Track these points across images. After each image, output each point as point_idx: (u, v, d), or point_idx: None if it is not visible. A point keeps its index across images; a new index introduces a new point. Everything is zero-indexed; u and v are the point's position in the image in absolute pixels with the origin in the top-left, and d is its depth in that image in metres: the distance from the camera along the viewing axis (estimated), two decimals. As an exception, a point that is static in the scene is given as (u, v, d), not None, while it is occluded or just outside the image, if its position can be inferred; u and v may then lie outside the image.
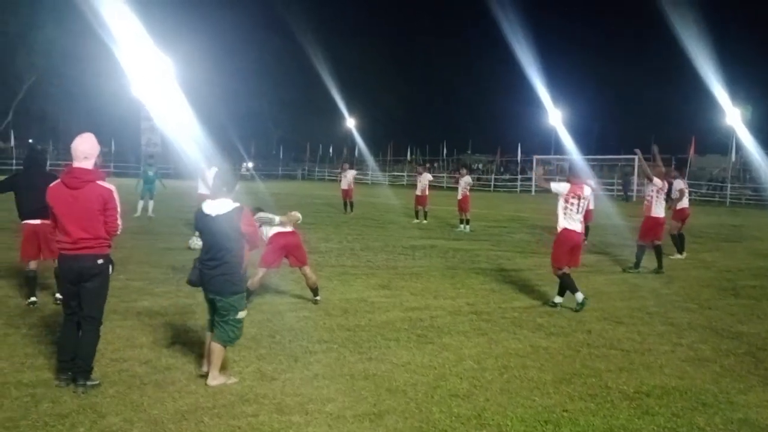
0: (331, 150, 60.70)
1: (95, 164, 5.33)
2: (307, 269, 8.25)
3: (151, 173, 19.46)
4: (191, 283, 5.46)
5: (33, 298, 7.63)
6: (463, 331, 7.20)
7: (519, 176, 48.44)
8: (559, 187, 8.67)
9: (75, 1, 40.95)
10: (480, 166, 57.02)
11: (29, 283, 7.73)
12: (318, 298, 8.29)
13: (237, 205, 5.30)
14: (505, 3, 47.78)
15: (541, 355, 6.45)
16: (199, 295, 8.37)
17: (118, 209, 5.27)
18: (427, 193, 20.10)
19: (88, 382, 5.08)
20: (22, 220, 7.66)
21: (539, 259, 12.99)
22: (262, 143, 65.00)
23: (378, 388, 5.31)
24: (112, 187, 5.26)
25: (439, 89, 65.13)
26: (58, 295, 7.59)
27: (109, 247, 5.30)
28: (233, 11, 54.04)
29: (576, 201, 8.51)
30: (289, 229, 8.11)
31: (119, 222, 5.30)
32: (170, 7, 47.89)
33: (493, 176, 49.26)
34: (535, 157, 46.60)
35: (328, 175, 55.23)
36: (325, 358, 6.06)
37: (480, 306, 8.47)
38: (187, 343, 6.33)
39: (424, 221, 19.65)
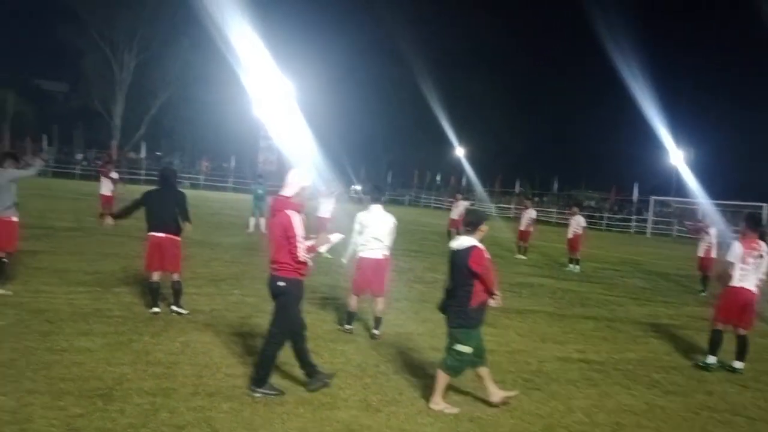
0: (438, 178, 60.79)
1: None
2: (381, 301, 8.00)
3: (260, 191, 20.21)
4: (441, 309, 5.96)
5: (156, 309, 8.06)
6: (573, 380, 6.92)
7: (634, 216, 46.33)
8: (733, 254, 7.78)
9: (208, 26, 43.77)
10: (593, 203, 55.16)
11: (152, 293, 8.19)
12: (377, 332, 7.97)
13: (472, 244, 5.66)
14: (627, 39, 46.30)
15: (658, 414, 6.07)
16: (308, 317, 8.57)
17: (298, 236, 5.50)
18: (531, 229, 19.68)
19: (259, 390, 5.45)
20: (148, 231, 8.15)
21: (655, 308, 12.34)
22: (372, 167, 66.10)
23: (484, 431, 5.18)
24: (294, 215, 5.57)
25: (553, 122, 63.80)
26: (155, 309, 7.98)
27: (296, 272, 5.60)
28: (353, 38, 55.71)
29: (753, 260, 7.70)
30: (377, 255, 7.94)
31: (299, 251, 5.51)
32: (294, 32, 50.06)
33: (606, 215, 47.49)
34: (653, 198, 44.56)
35: (434, 203, 55.29)
36: (428, 394, 5.99)
37: (590, 354, 8.11)
38: (296, 365, 6.43)
39: (524, 257, 19.22)
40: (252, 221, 19.96)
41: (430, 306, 10.15)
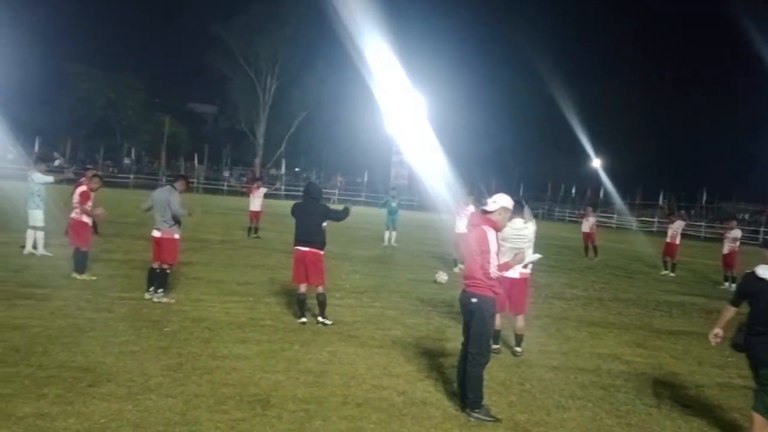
0: (573, 190, 58.81)
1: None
2: (521, 319, 7.80)
3: (394, 204, 20.49)
4: (736, 347, 5.39)
5: (303, 319, 8.41)
6: (737, 408, 6.41)
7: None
8: None
9: (343, 46, 45.39)
10: (746, 216, 50.93)
11: (299, 304, 8.55)
12: (519, 349, 7.77)
13: None
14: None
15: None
16: (448, 331, 8.63)
17: (492, 252, 5.46)
18: (677, 241, 18.49)
19: (474, 413, 5.42)
20: (294, 245, 8.52)
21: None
22: (503, 180, 65.20)
23: (641, 459, 4.92)
24: (490, 231, 5.53)
25: (698, 131, 59.77)
26: (303, 319, 8.29)
27: (489, 289, 5.53)
28: (485, 51, 55.69)
29: None
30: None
31: (491, 267, 5.45)
32: (426, 47, 50.78)
33: (762, 229, 43.67)
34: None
35: (569, 216, 53.50)
36: (578, 416, 5.79)
37: (756, 381, 7.45)
38: (440, 379, 6.48)
39: (671, 273, 18.04)
40: (386, 235, 20.32)
41: (572, 323, 9.88)
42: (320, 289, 8.42)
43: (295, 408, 5.37)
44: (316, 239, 8.38)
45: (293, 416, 5.20)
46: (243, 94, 59.96)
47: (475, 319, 5.55)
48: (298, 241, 8.44)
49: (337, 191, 54.94)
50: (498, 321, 7.85)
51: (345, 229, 26.82)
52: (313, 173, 60.58)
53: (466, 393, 5.55)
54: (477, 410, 5.45)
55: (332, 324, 8.34)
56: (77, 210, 10.57)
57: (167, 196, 8.99)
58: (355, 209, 9.97)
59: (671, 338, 9.46)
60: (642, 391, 6.69)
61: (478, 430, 5.23)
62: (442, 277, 12.95)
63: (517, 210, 8.12)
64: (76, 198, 10.67)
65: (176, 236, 9.12)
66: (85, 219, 10.54)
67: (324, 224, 8.44)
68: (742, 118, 55.30)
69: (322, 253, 8.44)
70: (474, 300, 5.54)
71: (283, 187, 50.46)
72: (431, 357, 7.29)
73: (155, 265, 9.08)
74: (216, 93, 69.09)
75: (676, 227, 18.64)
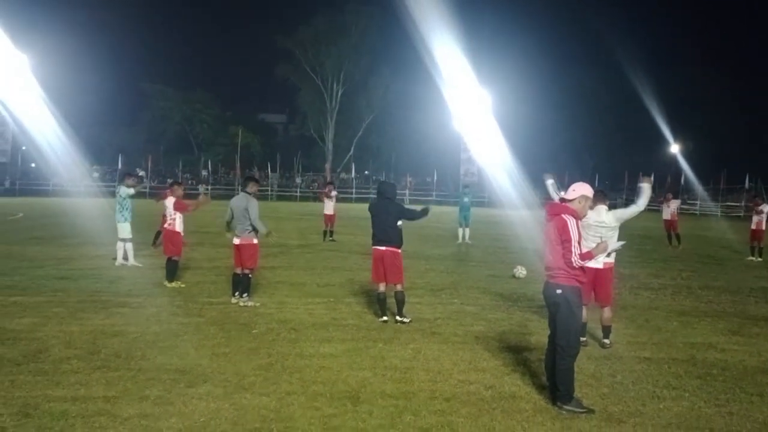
0: (652, 177, 56.78)
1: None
2: (607, 310, 7.57)
3: (466, 199, 20.40)
4: None
5: (384, 318, 8.49)
6: None
7: None
8: None
9: (408, 46, 45.50)
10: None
11: (379, 303, 8.63)
12: (607, 341, 7.52)
13: None
14: None
15: None
16: (530, 325, 8.52)
17: (573, 241, 5.34)
18: (763, 227, 17.58)
19: (565, 406, 5.33)
20: (372, 245, 8.61)
21: None
22: (577, 173, 63.65)
23: (746, 449, 4.72)
24: (570, 220, 5.42)
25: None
26: (384, 318, 8.35)
27: (573, 278, 5.44)
28: (550, 43, 54.63)
29: None
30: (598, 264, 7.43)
31: (573, 256, 5.34)
32: (492, 42, 50.31)
33: None
34: None
35: (649, 205, 51.66)
36: (675, 406, 5.59)
37: None
38: (526, 373, 6.41)
39: (759, 258, 17.15)
40: (460, 232, 20.23)
41: (662, 313, 9.56)
42: (399, 287, 8.47)
43: (384, 404, 5.43)
44: (394, 238, 8.44)
45: (384, 411, 5.26)
46: (310, 102, 61.26)
47: (561, 311, 5.44)
48: (376, 241, 8.53)
49: (407, 192, 55.07)
50: (584, 313, 7.68)
51: (418, 228, 26.84)
52: (383, 175, 60.91)
53: (556, 386, 5.46)
54: (568, 403, 5.36)
55: (410, 322, 8.37)
56: (172, 221, 10.98)
57: (245, 204, 9.26)
58: (433, 209, 10.00)
59: (769, 325, 9.01)
60: (741, 379, 6.40)
61: (571, 422, 5.14)
62: (521, 271, 12.78)
63: (599, 198, 7.93)
64: (171, 209, 11.06)
65: (255, 241, 9.37)
66: (178, 229, 10.96)
67: (399, 223, 8.49)
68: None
69: (399, 251, 8.49)
70: (559, 291, 5.43)
71: (353, 191, 51.02)
72: (516, 351, 7.21)
73: (238, 271, 9.37)
74: (285, 102, 70.88)
75: (761, 212, 17.75)
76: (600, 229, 7.40)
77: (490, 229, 24.65)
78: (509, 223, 22.77)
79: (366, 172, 67.18)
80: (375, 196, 9.20)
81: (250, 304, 9.20)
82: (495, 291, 11.20)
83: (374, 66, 58.86)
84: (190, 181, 53.40)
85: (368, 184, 59.28)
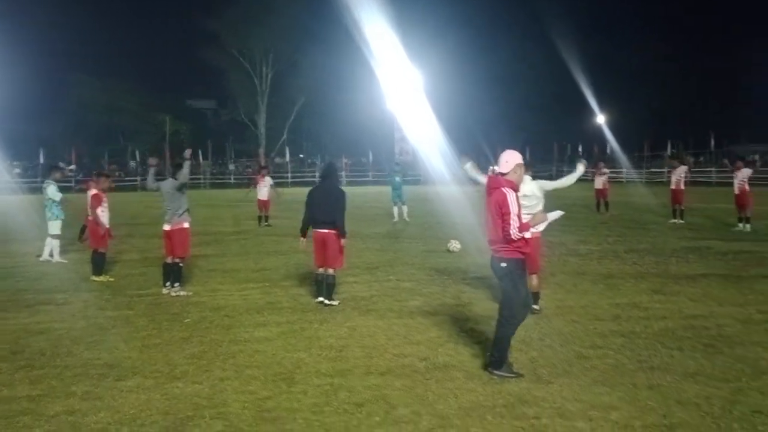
0: (580, 149, 58.42)
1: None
2: (535, 277, 7.68)
3: (398, 179, 20.54)
4: None
5: (320, 298, 8.42)
6: (759, 342, 6.41)
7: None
8: None
9: (338, 27, 45.11)
10: (756, 157, 50.41)
11: (317, 284, 8.55)
12: (536, 307, 7.59)
13: None
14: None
15: None
16: (464, 296, 8.68)
17: (513, 214, 5.39)
18: (681, 187, 18.37)
19: (496, 371, 5.47)
20: (313, 228, 8.49)
21: None
22: (508, 145, 64.71)
23: (666, 399, 4.95)
24: (509, 192, 5.46)
25: (703, 76, 59.09)
26: (321, 299, 8.33)
27: (516, 251, 5.49)
28: (477, 18, 55.16)
29: None
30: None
31: (511, 229, 5.38)
32: (422, 19, 50.38)
33: (773, 168, 43.22)
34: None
35: (578, 175, 53.24)
36: (601, 364, 5.81)
37: (777, 315, 7.45)
38: (460, 343, 6.53)
39: (680, 221, 17.92)
40: (395, 210, 20.36)
41: (589, 278, 9.90)
42: (331, 271, 8.36)
43: (319, 382, 5.43)
44: (337, 221, 8.28)
45: (318, 390, 5.26)
46: (240, 85, 59.85)
47: (506, 283, 5.56)
48: (318, 224, 8.38)
49: (344, 173, 54.90)
50: (536, 282, 7.78)
51: (354, 209, 26.79)
52: (318, 158, 60.50)
53: (492, 352, 5.60)
54: (500, 368, 5.50)
55: (339, 304, 8.25)
56: (95, 213, 10.60)
57: (172, 184, 9.03)
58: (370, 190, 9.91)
59: (689, 282, 9.46)
60: (663, 335, 6.70)
61: (501, 386, 5.27)
62: (455, 245, 12.96)
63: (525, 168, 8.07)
64: (89, 202, 10.72)
65: (186, 225, 9.12)
66: (103, 220, 10.59)
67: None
68: (750, 58, 54.41)
69: (337, 234, 8.40)
70: (503, 265, 5.52)
71: (289, 175, 50.52)
72: (451, 323, 7.33)
73: (169, 260, 9.14)
74: (215, 88, 68.92)
75: (679, 174, 18.47)
76: (523, 199, 7.55)
77: (426, 206, 24.89)
78: (443, 200, 23.05)
79: (301, 156, 66.66)
80: (318, 179, 8.99)
81: (182, 293, 9.00)
82: (430, 266, 11.33)
83: (304, 46, 57.76)
84: (117, 173, 51.63)
85: (303, 168, 58.84)
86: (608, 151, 52.65)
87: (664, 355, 6.07)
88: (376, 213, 23.09)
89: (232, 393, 5.24)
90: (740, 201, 16.36)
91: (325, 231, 8.27)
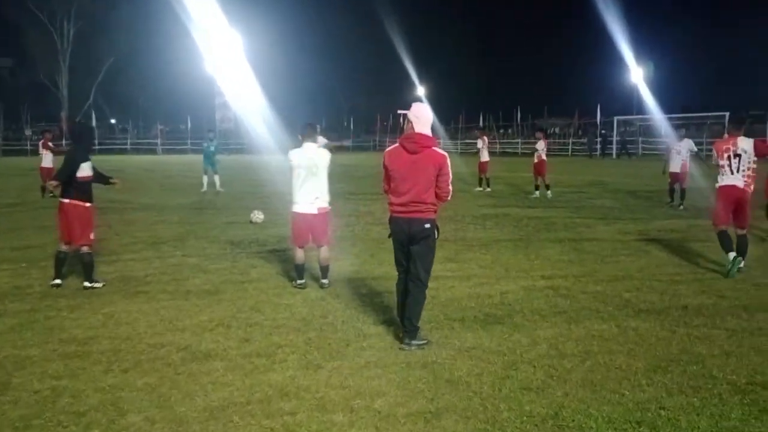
0: (401, 120, 59.88)
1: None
2: (325, 249, 7.29)
3: (212, 148, 19.41)
4: None
5: (58, 281, 7.26)
6: (538, 309, 6.38)
7: (598, 139, 45.87)
8: (713, 156, 8.35)
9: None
10: (557, 130, 54.71)
11: (57, 264, 7.35)
12: (325, 281, 7.27)
13: None
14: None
15: (630, 337, 5.56)
16: (253, 271, 7.97)
17: (450, 176, 5.34)
18: (487, 158, 19.20)
19: (414, 341, 5.24)
20: (60, 197, 7.30)
21: (624, 225, 11.93)
22: (333, 116, 64.94)
23: (437, 379, 4.61)
24: (446, 154, 5.34)
25: (512, 52, 62.87)
26: (57, 281, 7.23)
27: (435, 212, 5.37)
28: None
29: (727, 158, 7.88)
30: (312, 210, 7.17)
31: (450, 188, 5.37)
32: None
33: (570, 140, 47.14)
34: (616, 118, 44.19)
35: (400, 146, 54.48)
36: (379, 342, 5.41)
37: (557, 280, 7.57)
38: (232, 326, 5.82)
39: (488, 189, 18.72)
40: (205, 179, 19.18)
41: (387, 248, 9.57)
42: (85, 248, 7.23)
43: (40, 387, 4.43)
44: (81, 189, 7.18)
45: (35, 398, 4.26)
46: (38, 43, 53.39)
47: (427, 245, 5.34)
48: (63, 193, 7.25)
49: (159, 141, 51.55)
50: (300, 255, 7.29)
51: (164, 178, 25.07)
52: (129, 124, 56.18)
53: (409, 322, 5.29)
54: (416, 338, 5.31)
55: (103, 286, 7.20)
56: None
57: None
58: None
59: (482, 249, 9.51)
60: (448, 306, 6.48)
61: (263, 376, 4.64)
62: (258, 216, 12.21)
63: (311, 132, 7.48)
64: None
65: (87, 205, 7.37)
66: None
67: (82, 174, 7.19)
68: (552, 38, 58.73)
69: (88, 205, 7.26)
70: (427, 225, 5.29)
71: (96, 141, 46.26)
72: (228, 303, 6.59)
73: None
74: (11, 45, 60.81)
75: (480, 144, 19.40)
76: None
77: (243, 175, 23.80)
78: (263, 169, 22.08)
79: (112, 121, 61.52)
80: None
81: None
82: (226, 239, 10.48)
83: (112, 1, 52.84)
84: None
85: (115, 134, 54.38)
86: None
87: (445, 327, 5.82)
88: (187, 183, 21.68)
89: None
90: (537, 170, 17.18)
91: (66, 201, 7.12)
